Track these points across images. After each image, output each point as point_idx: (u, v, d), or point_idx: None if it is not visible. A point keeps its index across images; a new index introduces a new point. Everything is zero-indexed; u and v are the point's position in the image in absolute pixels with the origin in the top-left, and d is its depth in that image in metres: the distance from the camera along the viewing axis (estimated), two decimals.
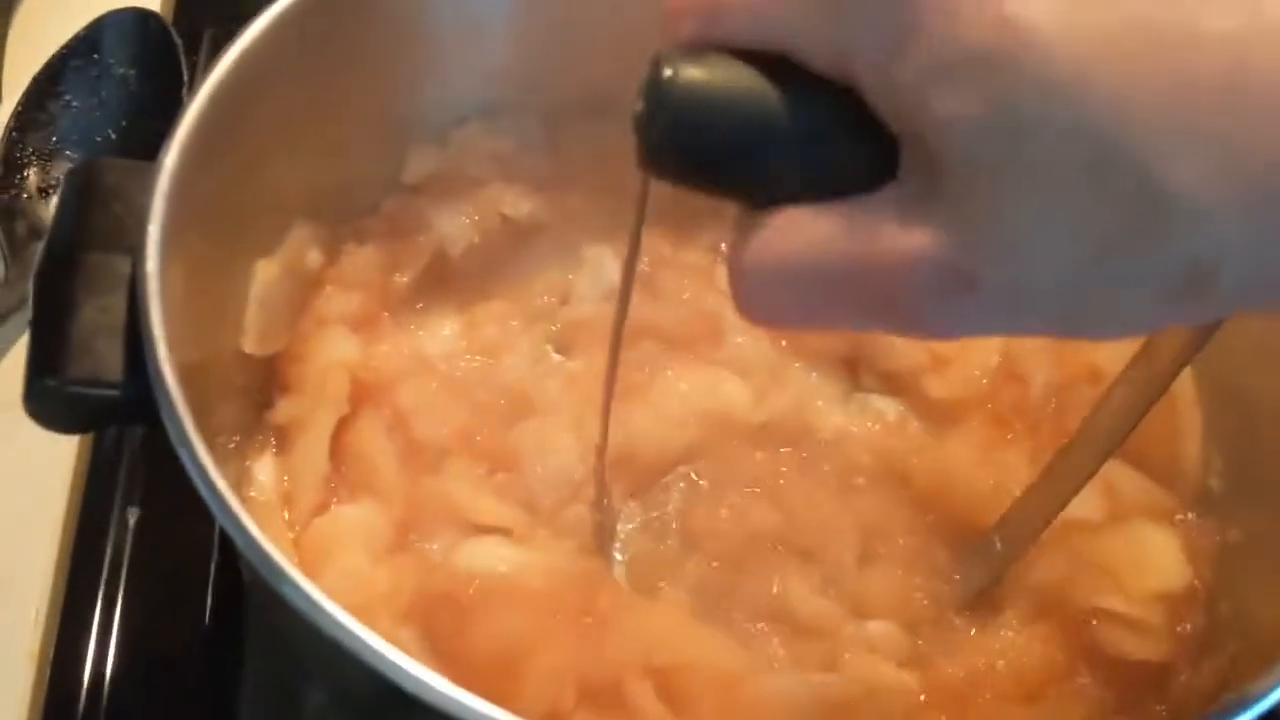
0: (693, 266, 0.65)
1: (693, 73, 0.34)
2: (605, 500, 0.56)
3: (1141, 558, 0.55)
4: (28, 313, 0.69)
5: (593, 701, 0.49)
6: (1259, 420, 0.56)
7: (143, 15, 0.80)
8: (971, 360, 0.61)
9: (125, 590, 0.64)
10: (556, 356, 0.64)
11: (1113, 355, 0.60)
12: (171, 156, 0.50)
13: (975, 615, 0.55)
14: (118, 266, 0.48)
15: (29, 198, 0.76)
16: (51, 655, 0.63)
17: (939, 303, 0.33)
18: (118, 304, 0.48)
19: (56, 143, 0.77)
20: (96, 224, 0.50)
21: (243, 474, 0.56)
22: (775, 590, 0.55)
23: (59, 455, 0.68)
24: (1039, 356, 0.61)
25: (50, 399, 0.47)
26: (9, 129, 0.77)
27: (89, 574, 0.65)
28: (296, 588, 0.41)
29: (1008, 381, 0.61)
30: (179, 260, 0.48)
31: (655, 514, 0.59)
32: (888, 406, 0.63)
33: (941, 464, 0.59)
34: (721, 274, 0.64)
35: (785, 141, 0.35)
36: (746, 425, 0.60)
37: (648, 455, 0.59)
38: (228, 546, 0.65)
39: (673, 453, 0.59)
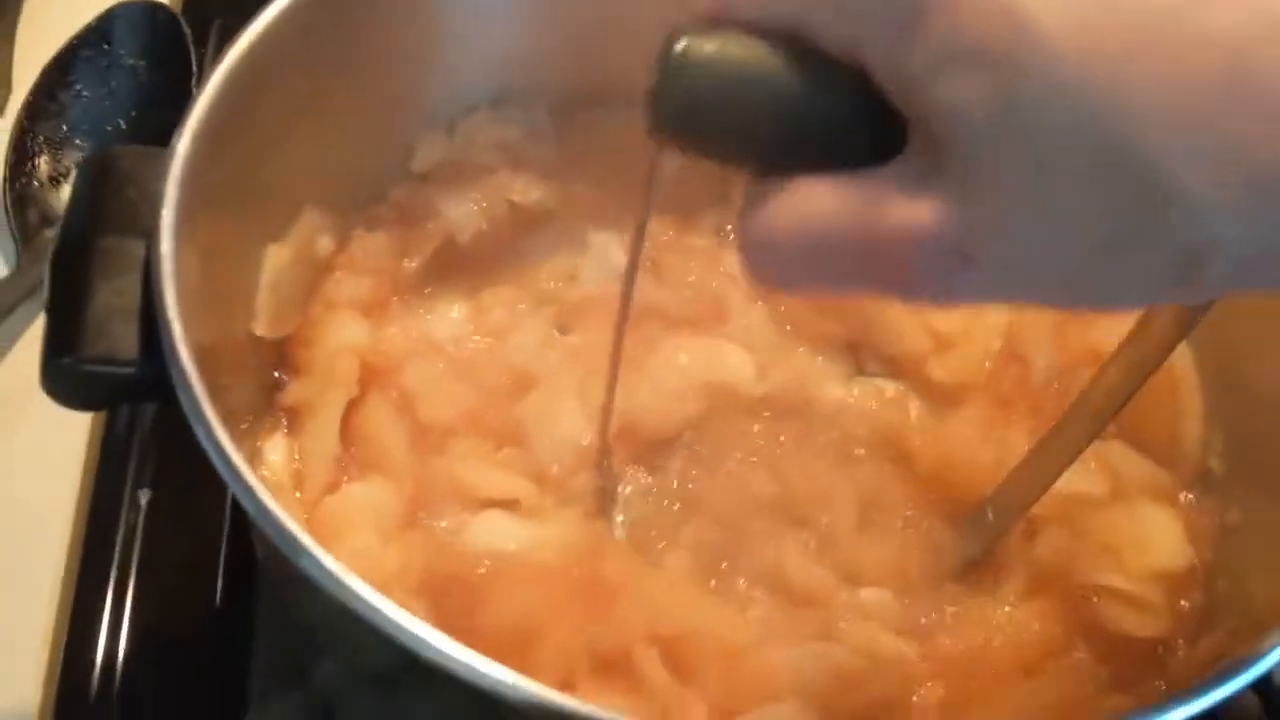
0: (697, 250, 0.65)
1: (706, 47, 0.35)
2: (606, 463, 0.57)
3: (1143, 536, 0.56)
4: (40, 299, 0.71)
5: (602, 671, 0.49)
6: (1260, 402, 0.57)
7: (152, 6, 0.80)
8: (974, 344, 0.62)
9: (137, 570, 0.65)
10: (561, 337, 0.65)
11: (1114, 338, 0.60)
12: (184, 142, 0.50)
13: (975, 588, 0.55)
14: (132, 250, 0.49)
15: (40, 186, 0.76)
16: (65, 635, 0.63)
17: (941, 274, 0.34)
18: (132, 286, 0.48)
19: (67, 132, 0.78)
20: (111, 209, 0.51)
21: (254, 454, 0.57)
22: (771, 557, 0.55)
23: (71, 438, 0.69)
24: (1041, 340, 0.62)
25: (67, 377, 0.48)
26: (20, 118, 0.78)
27: (101, 555, 0.65)
28: (313, 559, 0.41)
29: (1009, 364, 0.62)
30: (192, 244, 0.49)
31: (655, 479, 0.60)
32: (889, 387, 0.64)
33: (942, 440, 0.60)
34: (726, 258, 0.65)
35: (795, 116, 0.36)
36: (747, 397, 0.61)
37: (649, 426, 0.59)
38: (238, 527, 0.66)
39: (673, 424, 0.60)
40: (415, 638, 0.40)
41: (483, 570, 0.54)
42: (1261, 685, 0.58)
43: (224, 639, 0.63)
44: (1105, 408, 0.50)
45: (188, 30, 0.79)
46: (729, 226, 0.67)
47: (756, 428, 0.60)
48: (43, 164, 0.77)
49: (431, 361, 0.61)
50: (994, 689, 0.52)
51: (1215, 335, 0.58)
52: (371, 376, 0.60)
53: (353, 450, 0.58)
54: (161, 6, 0.80)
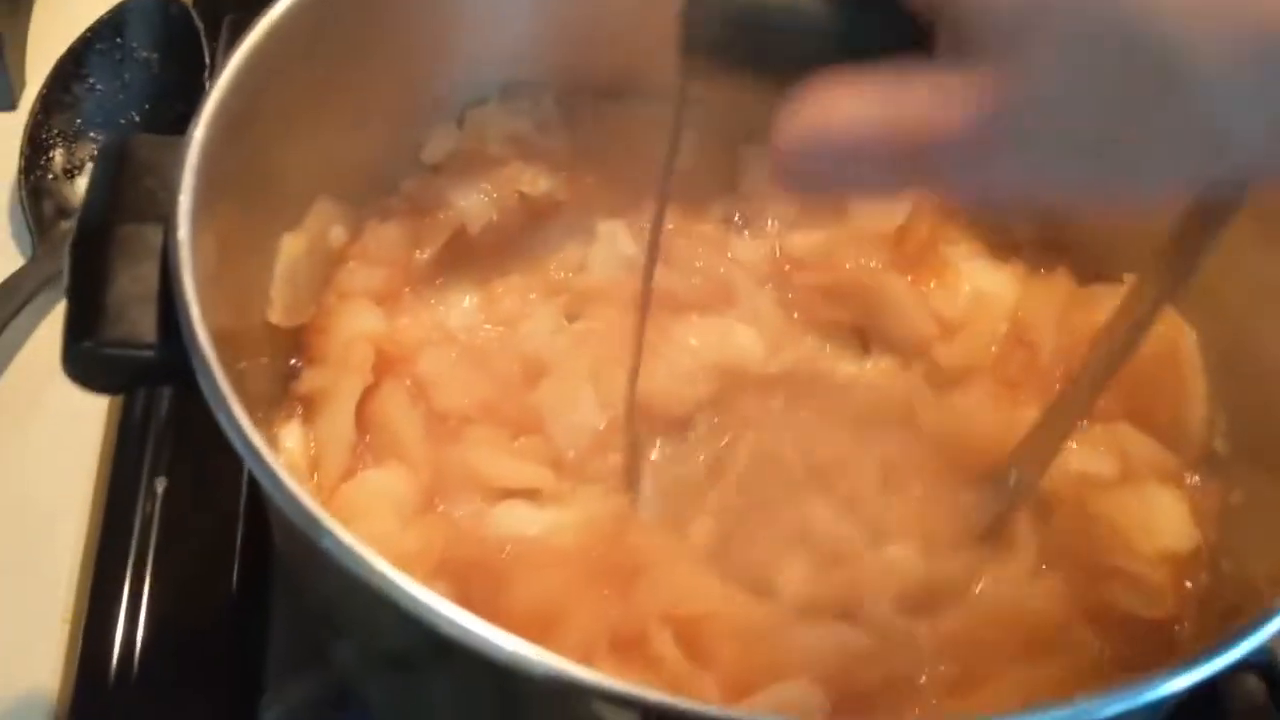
0: (706, 237, 0.66)
1: None
2: (631, 435, 0.58)
3: (1150, 518, 0.57)
4: (56, 290, 0.72)
5: (618, 651, 0.50)
6: (1264, 383, 0.57)
7: (164, 0, 0.81)
8: (980, 328, 0.63)
9: (154, 557, 0.65)
10: (571, 325, 0.65)
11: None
12: (200, 130, 0.51)
13: (987, 562, 0.56)
14: (150, 237, 0.50)
15: (55, 178, 0.77)
16: (84, 622, 0.64)
17: (972, 159, 0.36)
18: (151, 272, 0.49)
19: (81, 125, 0.79)
20: (129, 197, 0.51)
21: (270, 442, 0.57)
22: (798, 518, 0.56)
23: (87, 428, 0.70)
24: (1047, 323, 0.62)
25: (87, 361, 0.48)
26: (34, 111, 0.79)
27: (119, 542, 0.66)
28: (336, 539, 0.42)
29: (1016, 348, 0.62)
30: (208, 232, 0.50)
31: (678, 449, 0.60)
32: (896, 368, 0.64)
33: (954, 409, 0.60)
34: (734, 244, 0.66)
35: (822, 29, 0.37)
36: (759, 376, 0.62)
37: (663, 407, 0.60)
38: (254, 514, 0.66)
39: (687, 406, 0.61)
40: (437, 614, 0.40)
41: (502, 554, 0.54)
42: (1266, 669, 0.59)
43: (240, 624, 0.64)
44: (1107, 368, 0.52)
45: (200, 24, 0.80)
46: (736, 215, 0.67)
47: (771, 402, 0.61)
48: (57, 156, 0.78)
49: (445, 350, 0.62)
50: (1002, 669, 0.53)
51: (1219, 317, 0.59)
52: (386, 365, 0.60)
53: (368, 438, 0.59)
54: (174, 1, 0.81)
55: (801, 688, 0.49)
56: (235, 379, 0.46)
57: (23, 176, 0.77)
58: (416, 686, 0.52)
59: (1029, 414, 0.57)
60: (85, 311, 0.49)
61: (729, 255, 0.65)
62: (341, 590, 0.49)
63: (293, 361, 0.60)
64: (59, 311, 0.72)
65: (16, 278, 0.72)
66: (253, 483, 0.66)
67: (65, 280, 0.50)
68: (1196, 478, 0.59)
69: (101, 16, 0.81)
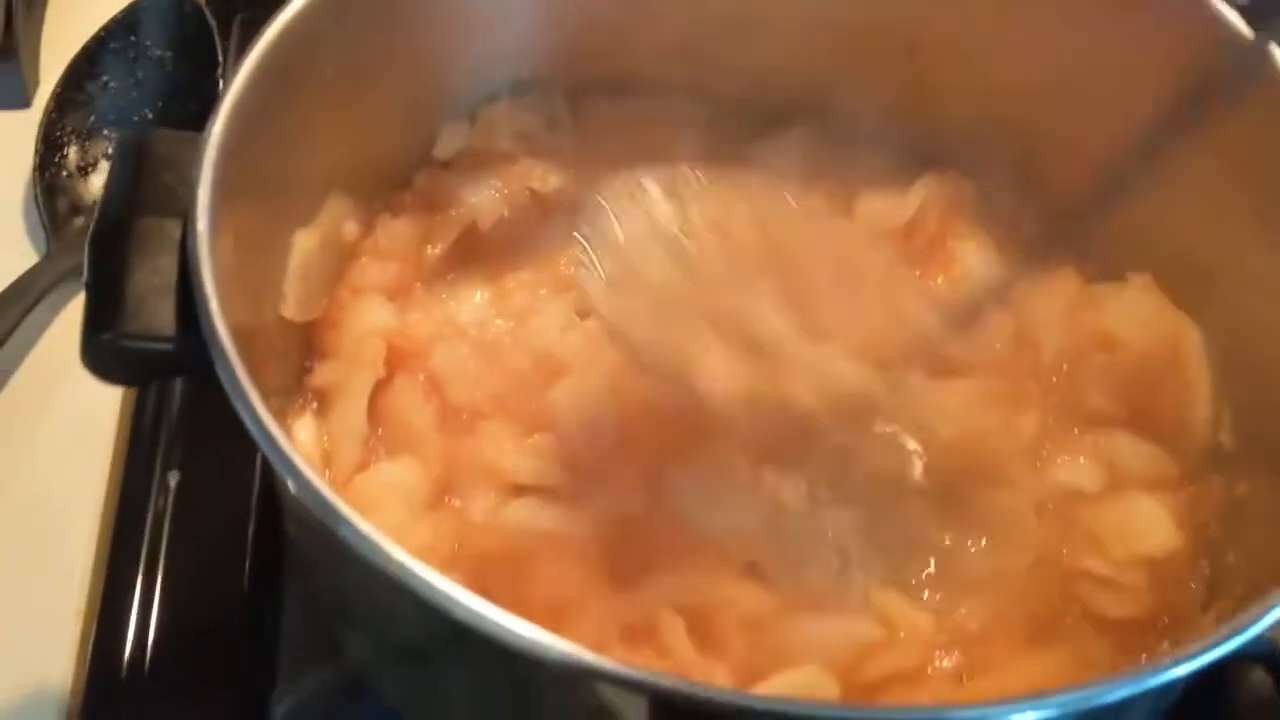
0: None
1: None
2: None
3: (1127, 525, 0.57)
4: (70, 287, 0.73)
5: (629, 640, 0.51)
6: (1271, 378, 0.57)
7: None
8: (986, 324, 0.63)
9: (167, 551, 0.66)
10: (581, 322, 0.66)
11: (1124, 322, 0.62)
12: (218, 126, 0.51)
13: (984, 550, 0.57)
14: (169, 231, 0.50)
15: (69, 176, 0.78)
16: (97, 614, 0.64)
17: None
18: (169, 265, 0.49)
19: (95, 122, 0.80)
20: (147, 191, 0.52)
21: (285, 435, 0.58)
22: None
23: (101, 422, 0.70)
24: (1052, 321, 0.63)
25: (105, 353, 0.49)
26: (49, 109, 0.79)
27: (132, 536, 0.66)
28: (352, 527, 0.42)
29: (1021, 347, 0.63)
30: (225, 227, 0.50)
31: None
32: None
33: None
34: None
35: None
36: None
37: None
38: (266, 507, 0.67)
39: None
40: (454, 600, 0.41)
41: (514, 547, 0.55)
42: (1272, 661, 0.60)
43: (253, 617, 0.65)
44: None
45: (213, 22, 0.81)
46: None
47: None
48: (72, 154, 0.78)
49: (456, 345, 0.63)
50: (1006, 660, 0.54)
51: (1224, 313, 0.59)
52: (398, 359, 0.61)
53: (381, 431, 0.60)
54: (188, 0, 0.82)
55: (811, 673, 0.50)
56: (251, 372, 0.47)
57: (37, 174, 0.77)
58: (430, 676, 0.52)
59: (1027, 417, 0.57)
60: (104, 304, 0.49)
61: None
62: (356, 580, 0.49)
63: (306, 361, 0.61)
64: (73, 308, 0.73)
65: (31, 274, 0.73)
66: (265, 475, 0.66)
67: (85, 273, 0.50)
68: (1197, 476, 0.59)
69: (115, 15, 0.82)
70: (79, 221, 0.76)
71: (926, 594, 0.56)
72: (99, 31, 0.81)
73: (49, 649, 0.63)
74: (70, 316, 0.73)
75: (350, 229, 0.63)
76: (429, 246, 0.66)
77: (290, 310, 0.59)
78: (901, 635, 0.53)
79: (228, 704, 0.63)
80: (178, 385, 0.72)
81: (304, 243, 0.59)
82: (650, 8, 0.68)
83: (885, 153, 0.68)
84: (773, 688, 0.49)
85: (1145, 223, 0.58)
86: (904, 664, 0.53)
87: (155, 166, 0.52)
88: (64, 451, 0.70)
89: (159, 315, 0.48)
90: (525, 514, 0.57)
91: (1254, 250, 0.58)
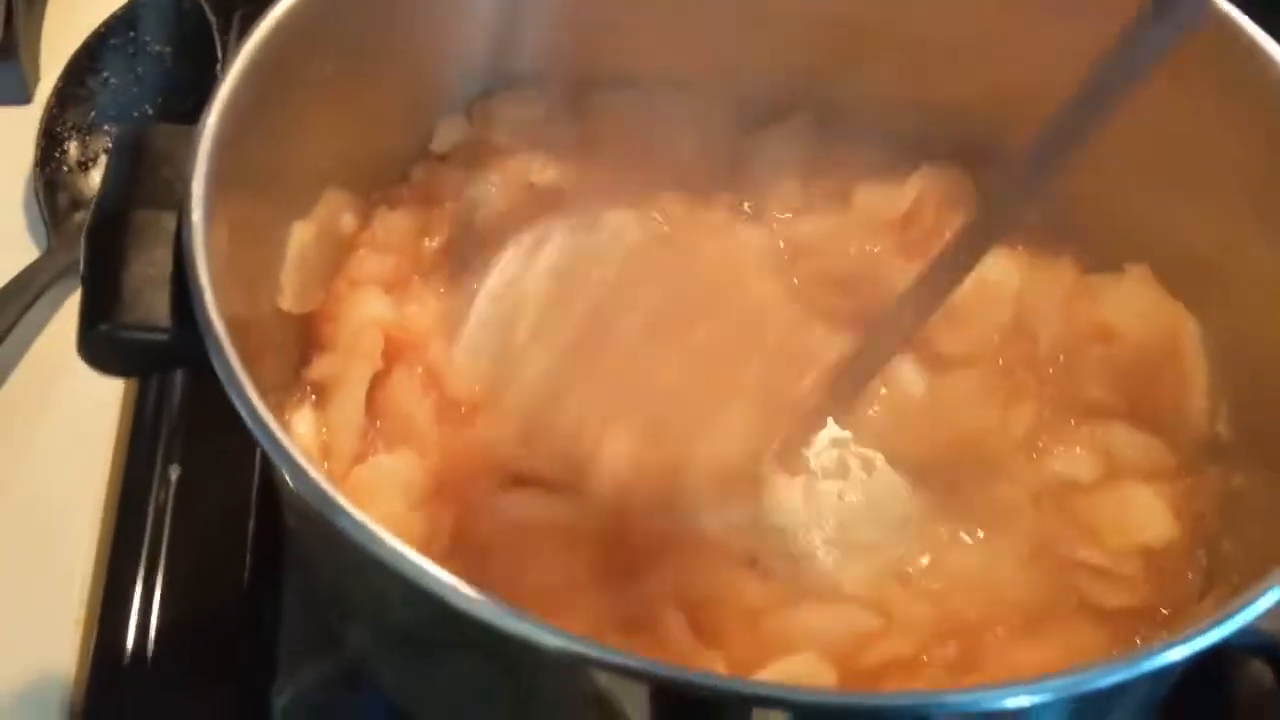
0: (712, 225, 0.67)
1: None
2: None
3: (1124, 516, 0.57)
4: (70, 282, 0.73)
5: (626, 630, 0.51)
6: (1269, 369, 0.57)
7: None
8: (983, 315, 0.63)
9: (169, 543, 0.66)
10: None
11: (1122, 313, 0.62)
12: (213, 118, 0.51)
13: (981, 541, 0.57)
14: (166, 223, 0.50)
15: (69, 171, 0.78)
16: (99, 609, 0.65)
17: None
18: (166, 257, 0.49)
19: (95, 118, 0.80)
20: (145, 185, 0.52)
21: (282, 427, 0.58)
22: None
23: (101, 417, 0.71)
24: (1049, 312, 0.63)
25: (102, 344, 0.49)
26: (49, 104, 0.80)
27: (133, 529, 0.67)
28: (350, 517, 0.42)
29: (1018, 338, 0.63)
30: (221, 219, 0.50)
31: None
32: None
33: None
34: (741, 230, 0.66)
35: None
36: None
37: None
38: (266, 502, 0.67)
39: None
40: (452, 589, 0.41)
41: (513, 538, 0.55)
42: (1271, 653, 0.60)
43: (253, 609, 0.65)
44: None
45: (212, 18, 0.81)
46: (746, 204, 0.68)
47: None
48: (72, 149, 0.79)
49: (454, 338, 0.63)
50: (1001, 650, 0.54)
51: (1221, 305, 0.59)
52: (396, 352, 0.61)
53: (379, 424, 0.60)
54: None
55: (809, 661, 0.50)
56: (247, 364, 0.47)
57: (38, 169, 0.78)
58: (429, 666, 0.53)
59: (1023, 408, 0.57)
60: (100, 296, 0.49)
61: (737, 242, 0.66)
62: (355, 571, 0.49)
63: (304, 354, 0.61)
64: (73, 303, 0.73)
65: (32, 270, 0.73)
66: (265, 468, 0.67)
67: (81, 266, 0.50)
68: (1193, 466, 0.59)
69: (115, 11, 0.82)
70: (79, 217, 0.76)
71: (924, 584, 0.56)
72: (99, 27, 0.81)
73: (51, 641, 0.63)
74: (70, 312, 0.73)
75: (347, 221, 0.63)
76: (427, 239, 0.65)
77: (287, 302, 0.59)
78: (899, 624, 0.53)
79: (229, 695, 0.63)
80: (178, 379, 0.72)
81: (301, 235, 0.59)
82: (650, 5, 0.68)
83: (883, 146, 0.68)
84: (770, 675, 0.49)
85: (1143, 217, 0.58)
86: (901, 652, 0.53)
87: (153, 161, 0.52)
88: (65, 446, 0.70)
89: (155, 307, 0.49)
90: (523, 506, 0.57)
91: (1253, 245, 0.58)
